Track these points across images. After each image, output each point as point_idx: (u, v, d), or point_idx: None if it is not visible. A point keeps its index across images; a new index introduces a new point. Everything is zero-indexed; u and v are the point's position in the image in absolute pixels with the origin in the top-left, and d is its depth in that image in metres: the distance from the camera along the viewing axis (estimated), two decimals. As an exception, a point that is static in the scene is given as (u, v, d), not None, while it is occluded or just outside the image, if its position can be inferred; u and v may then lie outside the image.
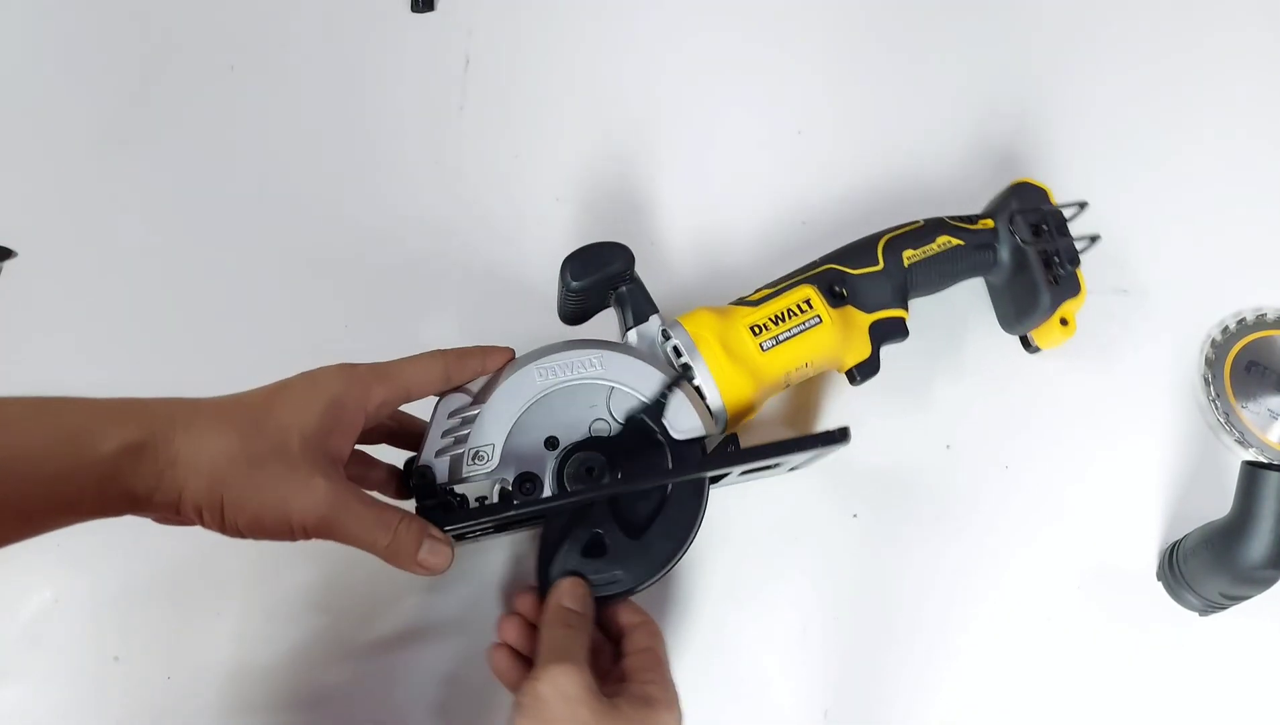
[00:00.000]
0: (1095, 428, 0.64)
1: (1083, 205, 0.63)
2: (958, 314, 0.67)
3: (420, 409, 0.55)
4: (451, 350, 0.53)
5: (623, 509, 0.54)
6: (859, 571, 0.62)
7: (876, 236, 0.61)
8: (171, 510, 0.45)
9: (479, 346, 0.54)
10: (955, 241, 0.61)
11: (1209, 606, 0.58)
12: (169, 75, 0.75)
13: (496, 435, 0.52)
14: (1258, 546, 0.52)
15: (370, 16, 0.76)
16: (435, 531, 0.50)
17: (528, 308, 0.68)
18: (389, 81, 0.75)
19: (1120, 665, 0.60)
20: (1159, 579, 0.61)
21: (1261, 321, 0.66)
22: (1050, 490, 0.63)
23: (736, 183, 0.71)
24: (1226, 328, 0.66)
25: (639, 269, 0.57)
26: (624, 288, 0.56)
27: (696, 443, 0.54)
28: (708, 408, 0.55)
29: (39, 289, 0.70)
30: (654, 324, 0.56)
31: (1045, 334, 0.63)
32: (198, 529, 0.46)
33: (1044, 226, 0.62)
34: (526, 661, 0.51)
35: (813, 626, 0.61)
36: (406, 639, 0.61)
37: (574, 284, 0.55)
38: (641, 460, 0.54)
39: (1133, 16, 0.74)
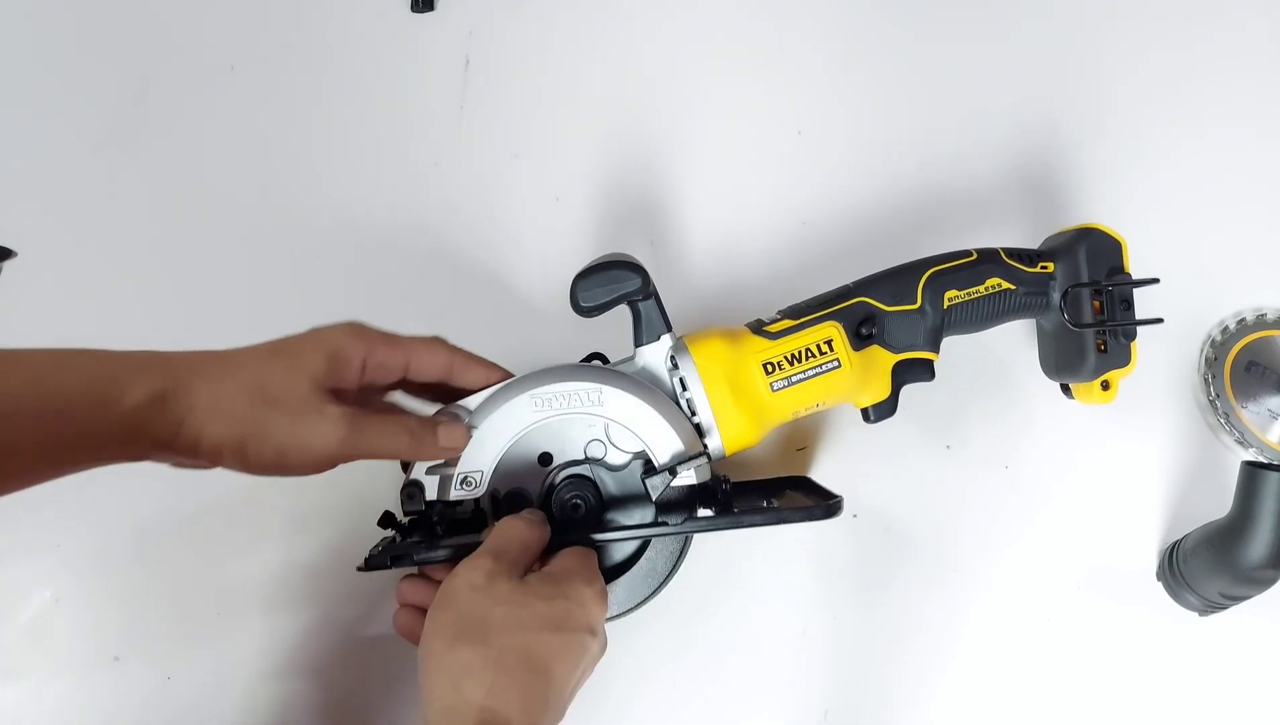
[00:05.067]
0: (1095, 427, 0.64)
1: (1154, 281, 0.57)
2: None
3: (421, 405, 0.56)
4: (460, 349, 0.53)
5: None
6: (859, 571, 0.62)
7: (919, 269, 0.57)
8: (191, 453, 0.46)
9: (488, 360, 0.54)
10: (1007, 285, 0.56)
11: (1209, 606, 0.58)
12: (169, 75, 0.75)
13: (486, 462, 0.53)
14: (1258, 546, 0.52)
15: (370, 16, 0.76)
16: (442, 418, 0.53)
17: (527, 309, 0.68)
18: (389, 81, 0.75)
19: (1120, 665, 0.60)
20: (1159, 579, 0.61)
21: (1261, 321, 0.66)
22: (1050, 490, 0.63)
23: (736, 182, 0.71)
24: (1226, 328, 0.66)
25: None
26: (640, 302, 0.54)
27: (685, 487, 0.53)
28: (705, 446, 0.54)
29: (39, 289, 0.70)
30: (664, 346, 0.55)
31: (1085, 392, 0.59)
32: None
33: (1107, 291, 0.57)
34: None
35: (813, 626, 0.61)
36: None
37: (584, 305, 0.53)
38: (629, 495, 0.54)
39: (1132, 17, 0.73)
